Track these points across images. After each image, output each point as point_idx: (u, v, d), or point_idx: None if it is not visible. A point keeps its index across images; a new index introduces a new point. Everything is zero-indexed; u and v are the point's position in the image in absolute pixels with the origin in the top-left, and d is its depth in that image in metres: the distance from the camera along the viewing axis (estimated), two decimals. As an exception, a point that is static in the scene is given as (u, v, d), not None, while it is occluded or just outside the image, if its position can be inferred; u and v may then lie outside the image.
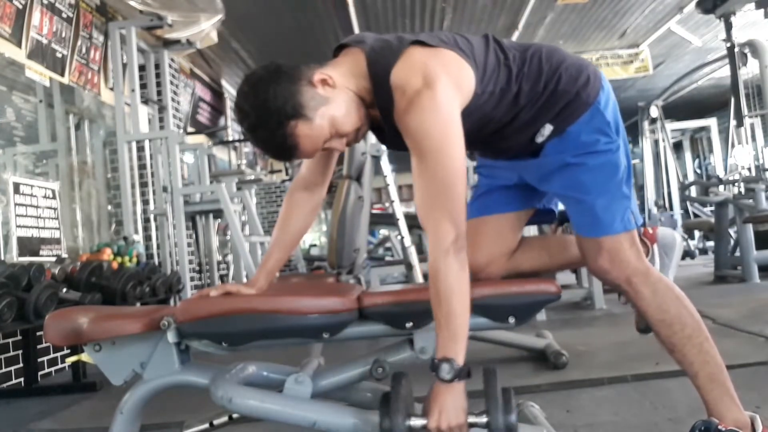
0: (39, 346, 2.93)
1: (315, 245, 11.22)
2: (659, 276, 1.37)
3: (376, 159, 2.74)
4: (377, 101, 1.24)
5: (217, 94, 6.87)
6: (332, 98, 1.20)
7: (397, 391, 1.13)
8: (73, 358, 1.48)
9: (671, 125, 9.26)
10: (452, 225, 1.13)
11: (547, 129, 1.30)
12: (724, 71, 6.95)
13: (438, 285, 1.12)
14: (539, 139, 1.32)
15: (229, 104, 7.23)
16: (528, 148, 1.35)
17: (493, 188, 1.50)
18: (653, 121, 8.50)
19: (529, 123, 1.31)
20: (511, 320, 1.28)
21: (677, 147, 11.11)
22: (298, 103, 1.16)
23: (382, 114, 1.25)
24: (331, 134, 1.21)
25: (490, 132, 1.33)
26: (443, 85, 1.14)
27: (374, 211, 5.56)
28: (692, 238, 8.41)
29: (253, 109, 1.17)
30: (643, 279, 1.33)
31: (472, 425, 1.13)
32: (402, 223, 2.74)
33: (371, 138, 2.31)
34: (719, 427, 1.31)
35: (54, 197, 3.54)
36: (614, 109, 1.35)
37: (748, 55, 6.02)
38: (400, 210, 2.75)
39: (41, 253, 3.34)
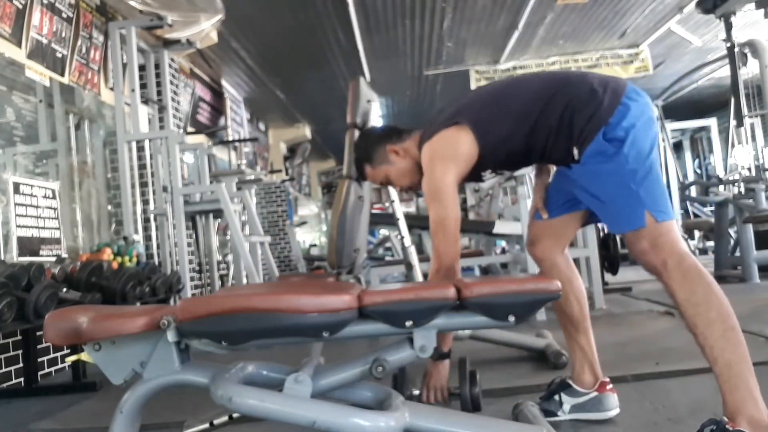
0: (39, 346, 2.93)
1: (315, 245, 11.22)
2: (694, 262, 1.46)
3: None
4: None
5: (217, 94, 6.87)
6: (395, 163, 1.81)
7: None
8: (73, 358, 1.47)
9: (671, 125, 9.26)
10: (437, 259, 1.61)
11: (576, 151, 1.56)
12: (724, 71, 6.95)
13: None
14: (576, 157, 1.57)
15: (229, 104, 7.23)
16: (569, 159, 1.61)
17: (553, 200, 1.81)
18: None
19: (559, 143, 1.59)
20: (511, 319, 1.28)
21: (677, 147, 11.12)
22: (371, 156, 1.84)
23: None
24: (386, 180, 1.86)
25: (536, 153, 1.66)
26: (437, 167, 1.64)
27: (374, 211, 5.56)
28: (692, 238, 8.42)
29: (356, 145, 1.92)
30: (677, 262, 1.45)
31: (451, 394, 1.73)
32: (402, 223, 2.73)
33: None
34: (727, 426, 1.30)
35: (54, 197, 3.54)
36: (631, 124, 1.50)
37: (748, 55, 6.02)
38: (400, 210, 2.75)
39: (41, 253, 3.34)
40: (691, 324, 1.42)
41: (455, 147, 1.65)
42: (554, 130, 1.58)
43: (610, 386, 1.72)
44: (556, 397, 1.73)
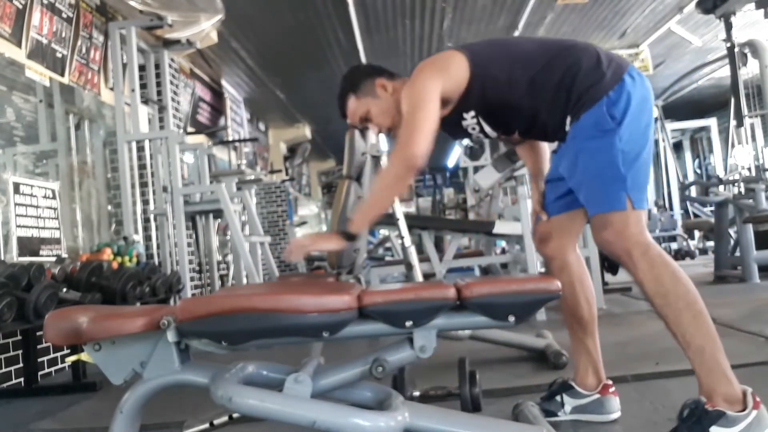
0: (39, 346, 2.93)
1: (315, 245, 11.20)
2: (659, 252, 1.48)
3: (376, 159, 2.73)
4: None
5: (217, 94, 6.87)
6: (381, 99, 1.69)
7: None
8: (73, 358, 1.47)
9: (671, 125, 9.27)
10: (409, 147, 1.49)
11: (569, 120, 1.56)
12: (724, 71, 6.95)
13: (381, 179, 1.58)
14: (567, 128, 1.57)
15: (229, 104, 7.23)
16: (561, 133, 1.61)
17: (552, 198, 1.77)
18: (653, 121, 8.52)
19: (554, 110, 1.56)
20: (511, 319, 1.28)
21: (677, 147, 11.13)
22: (357, 87, 1.71)
23: None
24: (365, 116, 1.72)
25: (526, 115, 1.61)
26: (423, 74, 1.58)
27: (374, 211, 5.55)
28: (692, 238, 8.42)
29: (343, 78, 1.78)
30: (641, 252, 1.47)
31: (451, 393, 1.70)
32: (402, 223, 2.73)
33: (371, 138, 2.32)
34: (706, 407, 1.35)
35: (54, 197, 3.54)
36: (628, 102, 1.49)
37: (748, 55, 6.02)
38: (400, 210, 2.74)
39: (41, 253, 3.34)
40: (661, 313, 1.46)
41: (446, 62, 1.60)
42: (551, 94, 1.55)
43: (612, 389, 1.71)
44: (558, 397, 1.73)
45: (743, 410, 1.35)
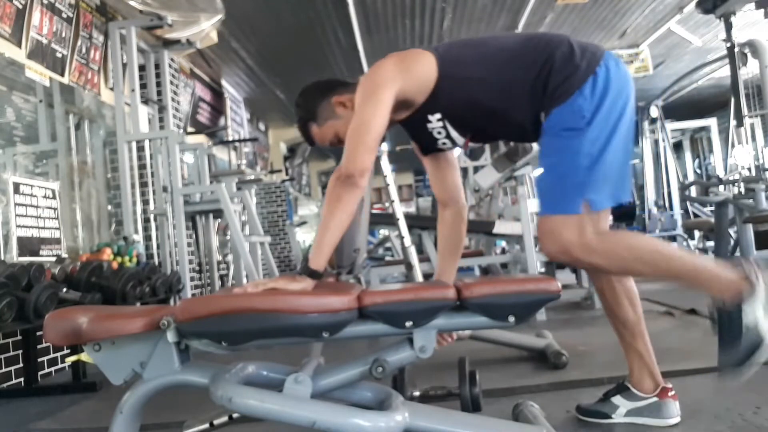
0: (39, 346, 2.93)
1: (315, 245, 11.20)
2: (601, 239, 1.45)
3: (376, 159, 2.74)
4: None
5: (217, 94, 6.87)
6: (343, 116, 1.56)
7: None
8: (73, 358, 1.48)
9: (671, 125, 9.25)
10: (346, 164, 1.42)
11: (543, 116, 1.51)
12: (724, 71, 6.94)
13: (327, 204, 1.42)
14: (542, 119, 1.51)
15: (229, 104, 7.23)
16: (533, 137, 1.58)
17: None
18: (653, 121, 8.50)
19: (531, 108, 1.50)
20: (511, 319, 1.28)
21: (677, 147, 11.12)
22: (314, 112, 1.61)
23: None
24: (335, 139, 1.60)
25: (498, 118, 1.55)
26: (382, 71, 1.50)
27: (374, 211, 5.57)
28: (692, 238, 8.42)
29: (296, 105, 1.65)
30: (586, 251, 1.44)
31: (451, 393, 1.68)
32: (402, 223, 2.74)
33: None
34: (725, 304, 1.39)
35: (54, 197, 3.54)
36: (601, 97, 1.44)
37: (748, 55, 6.01)
38: (400, 210, 2.75)
39: (41, 253, 3.34)
40: (648, 279, 1.47)
41: (411, 61, 1.52)
42: (528, 94, 1.49)
43: (672, 393, 1.61)
44: (613, 399, 1.65)
45: None
